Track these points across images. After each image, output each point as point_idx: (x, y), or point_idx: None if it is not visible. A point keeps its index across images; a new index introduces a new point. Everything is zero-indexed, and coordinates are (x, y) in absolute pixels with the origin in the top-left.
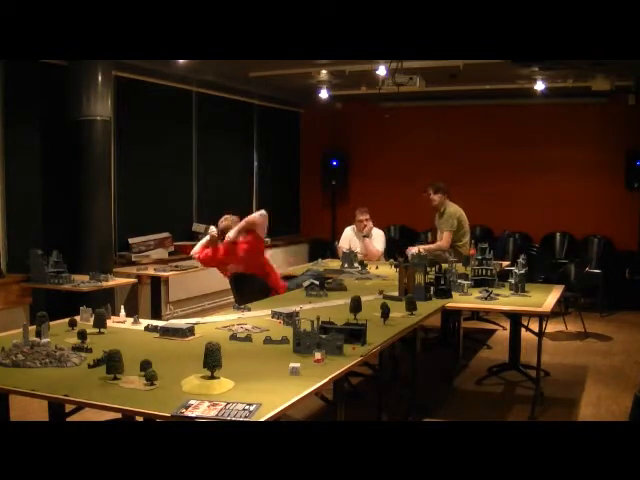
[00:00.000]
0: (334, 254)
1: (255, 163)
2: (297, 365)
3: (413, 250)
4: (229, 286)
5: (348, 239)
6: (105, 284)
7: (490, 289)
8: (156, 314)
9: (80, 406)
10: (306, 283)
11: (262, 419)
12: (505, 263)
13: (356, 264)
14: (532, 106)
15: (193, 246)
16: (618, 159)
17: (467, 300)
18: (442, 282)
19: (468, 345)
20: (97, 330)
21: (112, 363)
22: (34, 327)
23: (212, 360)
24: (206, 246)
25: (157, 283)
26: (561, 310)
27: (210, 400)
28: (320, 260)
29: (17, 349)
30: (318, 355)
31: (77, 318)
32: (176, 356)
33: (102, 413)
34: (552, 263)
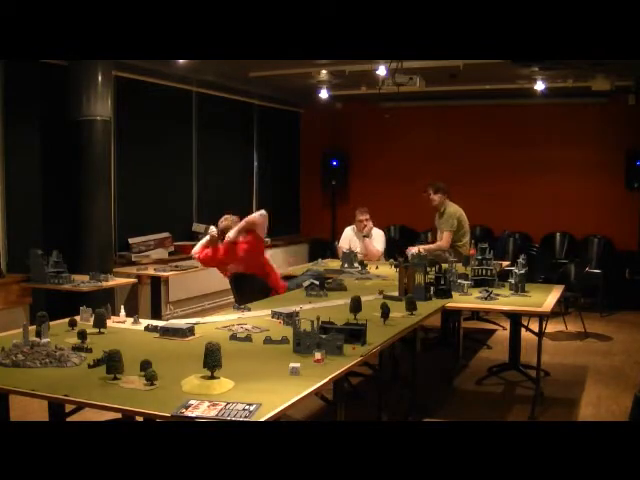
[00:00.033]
0: (334, 254)
1: (255, 163)
2: (297, 365)
3: (413, 250)
4: (229, 286)
5: (348, 239)
6: (105, 284)
7: (490, 289)
8: (156, 314)
9: (80, 406)
10: (306, 283)
11: (262, 419)
12: (505, 263)
13: (356, 264)
14: (532, 106)
15: (193, 246)
16: (618, 159)
17: (467, 300)
18: (442, 282)
19: (468, 345)
20: (97, 330)
21: (112, 363)
22: (34, 327)
23: (212, 360)
24: (206, 246)
25: (157, 283)
26: (561, 310)
27: (210, 400)
28: (320, 260)
29: (17, 349)
30: (318, 355)
31: (77, 318)
32: (176, 356)
33: (102, 413)
34: (552, 263)
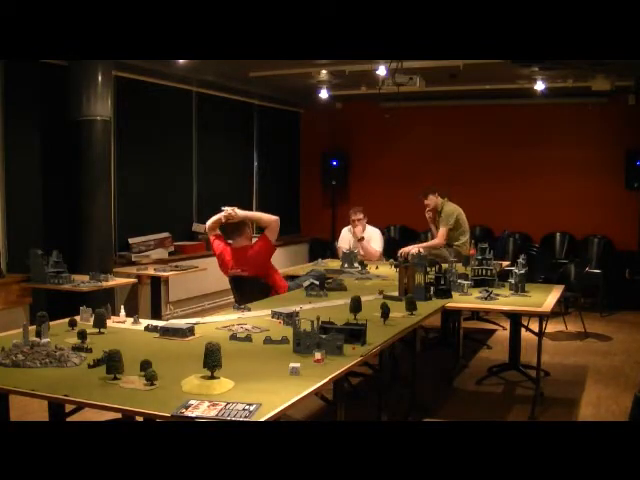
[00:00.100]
0: (334, 254)
1: (255, 163)
2: (297, 365)
3: (411, 249)
4: (229, 286)
5: (347, 239)
6: (105, 284)
7: (490, 289)
8: (156, 314)
9: (80, 406)
10: (306, 283)
11: (262, 419)
12: (505, 263)
13: (356, 264)
14: (532, 106)
15: (193, 246)
16: (618, 159)
17: (467, 300)
18: (442, 282)
19: (468, 345)
20: (97, 330)
21: (112, 363)
22: (34, 327)
23: (212, 360)
24: (217, 223)
25: (157, 283)
26: (561, 310)
27: (210, 400)
28: (320, 260)
29: (17, 349)
30: (318, 355)
31: (77, 318)
32: (176, 356)
33: (102, 413)
34: (552, 263)
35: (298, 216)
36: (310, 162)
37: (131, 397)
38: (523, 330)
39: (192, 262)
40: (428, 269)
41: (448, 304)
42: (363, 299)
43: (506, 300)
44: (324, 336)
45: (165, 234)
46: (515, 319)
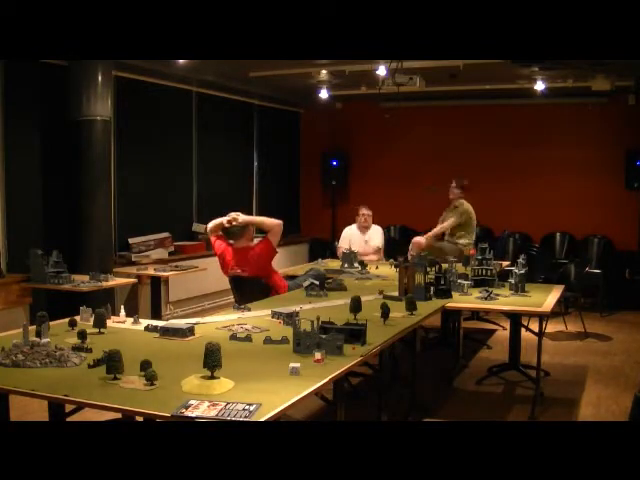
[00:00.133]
0: (334, 254)
1: (255, 163)
2: (297, 365)
3: (419, 239)
4: (229, 286)
5: (348, 239)
6: (105, 284)
7: (490, 289)
8: (156, 314)
9: (80, 406)
10: (306, 283)
11: (262, 419)
12: (505, 263)
13: (356, 264)
14: (532, 106)
15: (193, 246)
16: (618, 159)
17: (467, 300)
18: (442, 282)
19: (468, 345)
20: (97, 330)
21: (112, 363)
22: (34, 327)
23: (212, 360)
24: (219, 226)
25: (157, 283)
26: (561, 310)
27: (210, 400)
28: (320, 260)
29: (17, 349)
30: (318, 355)
31: (77, 318)
32: (176, 356)
33: (102, 413)
34: (552, 263)
35: (298, 216)
36: (310, 162)
37: (131, 397)
38: (523, 330)
39: (192, 262)
40: (428, 269)
41: (448, 304)
42: (363, 299)
43: (506, 300)
44: (324, 336)
45: (165, 234)
46: (515, 319)
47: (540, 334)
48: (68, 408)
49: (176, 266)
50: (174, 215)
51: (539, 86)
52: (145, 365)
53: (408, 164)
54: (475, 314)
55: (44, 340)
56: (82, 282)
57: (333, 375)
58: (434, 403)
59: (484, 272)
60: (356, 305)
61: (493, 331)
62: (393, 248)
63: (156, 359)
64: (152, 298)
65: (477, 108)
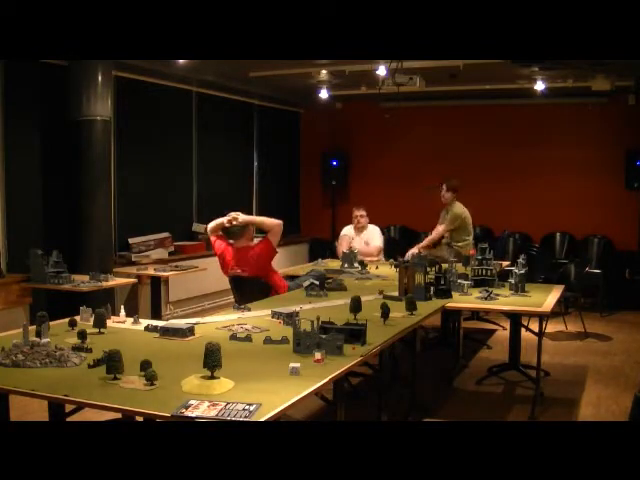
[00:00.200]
0: (334, 254)
1: (255, 163)
2: (297, 365)
3: (412, 251)
4: (229, 286)
5: (347, 239)
6: (105, 284)
7: (490, 289)
8: (156, 314)
9: (80, 406)
10: (306, 283)
11: (262, 419)
12: (505, 263)
13: (356, 264)
14: (532, 106)
15: (193, 246)
16: (618, 159)
17: (467, 300)
18: (442, 282)
19: (468, 345)
20: (97, 330)
21: (112, 363)
22: (34, 327)
23: (212, 360)
24: (219, 226)
25: (157, 283)
26: (561, 310)
27: (210, 400)
28: (320, 260)
29: (17, 349)
30: (318, 355)
31: (77, 318)
32: (176, 356)
33: (102, 413)
34: (552, 263)
35: (298, 216)
36: (310, 162)
37: (131, 397)
38: (523, 330)
39: (192, 262)
40: (428, 269)
41: (448, 304)
42: (363, 299)
43: (506, 300)
44: (324, 336)
45: (165, 234)
46: (515, 319)
47: (540, 334)
48: (68, 408)
49: (176, 266)
50: (174, 215)
51: (539, 86)
52: (145, 365)
53: (408, 164)
54: (475, 314)
55: (44, 340)
56: (82, 282)
57: (333, 375)
58: (434, 403)
59: (484, 272)
60: (356, 305)
61: (493, 331)
62: (393, 248)
63: (156, 359)
64: (152, 298)
65: (477, 108)
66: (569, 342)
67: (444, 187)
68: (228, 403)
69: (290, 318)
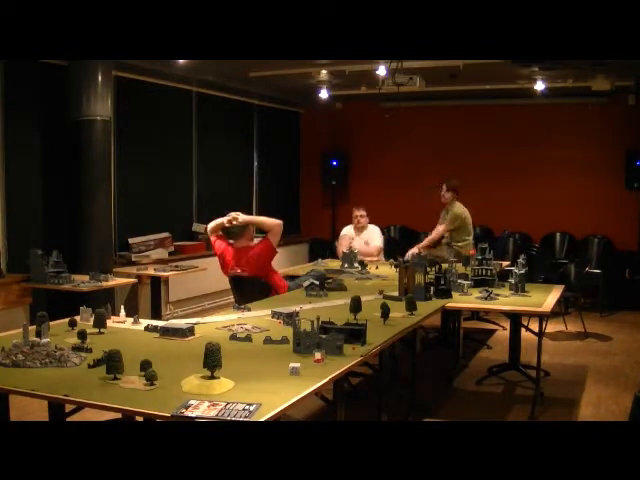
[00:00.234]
0: (334, 254)
1: (255, 163)
2: (297, 365)
3: (413, 251)
4: (229, 286)
5: (347, 238)
6: (105, 284)
7: (490, 289)
8: (156, 314)
9: (80, 406)
10: (306, 283)
11: (262, 419)
12: (505, 263)
13: (356, 264)
14: (532, 106)
15: (193, 246)
16: (618, 159)
17: (467, 300)
18: (442, 282)
19: (468, 345)
20: (97, 330)
21: (112, 363)
22: (34, 327)
23: (212, 360)
24: (220, 226)
25: (157, 283)
26: (561, 310)
27: (210, 400)
28: (320, 260)
29: (17, 349)
30: (318, 355)
31: (77, 318)
32: (176, 356)
33: (102, 413)
34: (552, 263)
35: (298, 216)
36: (310, 162)
37: (131, 397)
38: (523, 330)
39: (192, 262)
40: (428, 269)
41: (448, 304)
42: (363, 299)
43: (506, 300)
44: (324, 336)
45: (165, 234)
46: (515, 319)
47: (540, 334)
48: (68, 408)
49: (176, 266)
50: (174, 215)
51: (539, 86)
52: (145, 365)
53: (408, 164)
54: (475, 314)
55: (44, 340)
56: (82, 282)
57: (333, 375)
58: (434, 403)
59: (484, 272)
60: (356, 305)
61: (493, 331)
62: (393, 248)
63: (156, 359)
64: (152, 298)
65: (477, 108)
66: (569, 342)
67: (444, 187)
68: (228, 403)
69: (290, 318)
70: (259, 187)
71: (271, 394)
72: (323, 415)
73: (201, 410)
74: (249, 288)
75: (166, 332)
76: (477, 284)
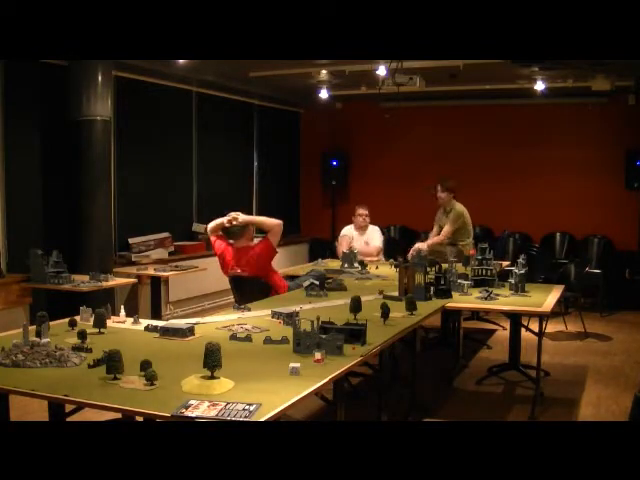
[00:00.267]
0: (334, 254)
1: (255, 163)
2: (297, 365)
3: (419, 245)
4: (229, 286)
5: (347, 238)
6: (105, 284)
7: (490, 289)
8: (156, 314)
9: (80, 406)
10: (306, 283)
11: (262, 419)
12: (505, 263)
13: (356, 264)
14: (532, 106)
15: (193, 246)
16: (618, 159)
17: (467, 300)
18: (442, 282)
19: (468, 345)
20: (97, 330)
21: (112, 363)
22: (34, 327)
23: (212, 360)
24: (219, 226)
25: (157, 283)
26: (561, 310)
27: (210, 400)
28: (320, 260)
29: (17, 349)
30: (318, 355)
31: (77, 318)
32: (176, 356)
33: (102, 413)
34: (552, 263)
35: (298, 216)
36: (310, 162)
37: (131, 397)
38: (523, 330)
39: (192, 262)
40: (428, 269)
41: (448, 304)
42: (363, 299)
43: (506, 300)
44: (324, 336)
45: (165, 234)
46: (515, 319)
47: (540, 334)
48: (68, 408)
49: (176, 266)
50: (174, 215)
51: (539, 86)
52: (145, 365)
53: (408, 164)
54: (475, 314)
55: (44, 340)
56: (82, 282)
57: (333, 375)
58: (434, 403)
59: (484, 272)
60: (356, 305)
61: (493, 331)
62: (393, 248)
63: (156, 359)
64: (152, 298)
65: (477, 108)
66: (569, 342)
67: (439, 187)
68: (228, 403)
69: (290, 318)
70: (259, 187)
71: (271, 394)
72: (323, 415)
73: (201, 410)
74: (249, 288)
75: (166, 332)
76: (477, 284)
